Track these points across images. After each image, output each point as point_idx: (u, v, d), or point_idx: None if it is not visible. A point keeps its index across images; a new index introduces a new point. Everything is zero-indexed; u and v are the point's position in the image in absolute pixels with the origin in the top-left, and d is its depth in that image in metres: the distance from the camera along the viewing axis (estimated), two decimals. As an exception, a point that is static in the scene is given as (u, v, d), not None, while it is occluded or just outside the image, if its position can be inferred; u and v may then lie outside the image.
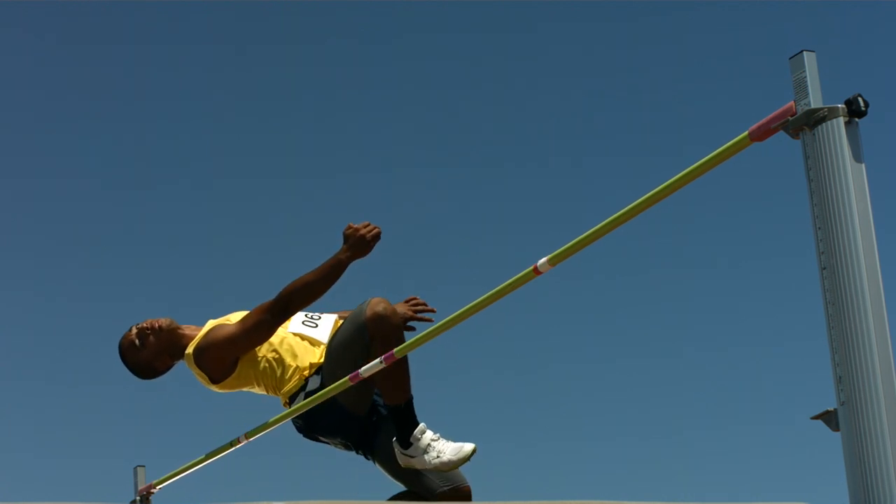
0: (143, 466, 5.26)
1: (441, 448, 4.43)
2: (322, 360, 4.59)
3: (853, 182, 2.56)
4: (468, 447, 4.44)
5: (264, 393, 4.69)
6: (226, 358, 4.57)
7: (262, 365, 4.59)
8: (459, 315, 3.70)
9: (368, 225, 4.46)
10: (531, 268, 3.39)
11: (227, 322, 4.66)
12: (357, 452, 4.66)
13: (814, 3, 10.08)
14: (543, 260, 3.35)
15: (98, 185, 10.02)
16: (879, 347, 2.49)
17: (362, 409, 4.55)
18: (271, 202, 10.08)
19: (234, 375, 4.60)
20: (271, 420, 4.49)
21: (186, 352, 4.66)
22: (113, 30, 10.21)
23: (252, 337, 4.54)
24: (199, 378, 4.66)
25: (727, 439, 9.34)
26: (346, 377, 4.21)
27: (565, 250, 3.27)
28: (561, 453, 9.16)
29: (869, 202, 2.57)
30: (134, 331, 4.73)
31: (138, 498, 5.18)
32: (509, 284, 3.48)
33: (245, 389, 4.70)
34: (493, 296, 3.53)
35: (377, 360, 4.10)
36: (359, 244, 4.45)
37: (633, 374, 9.71)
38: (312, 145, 10.33)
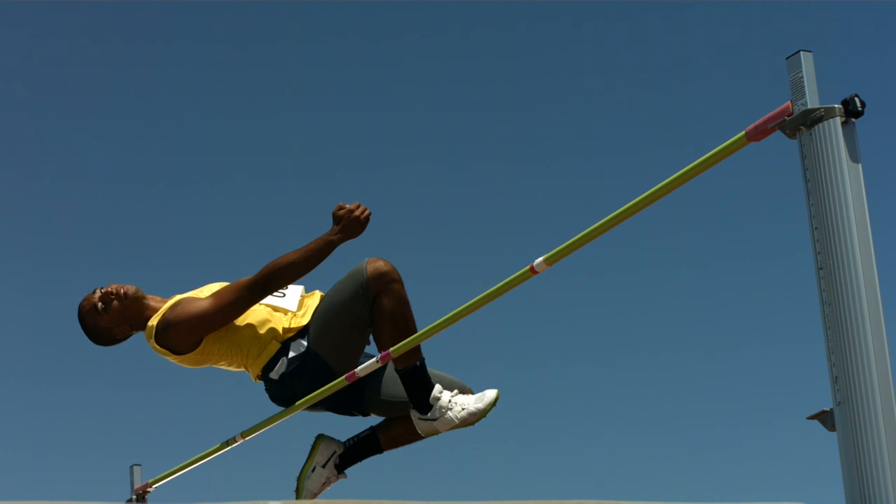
0: (140, 465, 5.25)
1: (463, 401, 4.28)
2: (295, 324, 4.41)
3: (850, 182, 2.56)
4: (492, 392, 4.30)
5: (229, 368, 4.51)
6: (194, 333, 4.37)
7: (230, 339, 4.40)
8: (456, 314, 3.70)
9: (360, 206, 4.34)
10: (528, 267, 3.39)
11: (197, 296, 4.47)
12: (338, 412, 4.50)
13: (811, 4, 10.09)
14: (540, 259, 3.35)
15: (98, 185, 10.02)
16: (876, 348, 2.49)
17: (349, 371, 4.32)
18: (271, 202, 10.07)
19: (197, 351, 4.41)
20: (267, 419, 4.47)
21: (150, 323, 4.44)
22: (113, 30, 10.22)
23: (226, 314, 4.36)
24: (159, 352, 4.45)
25: (723, 439, 9.35)
26: (343, 377, 4.18)
27: (562, 250, 3.28)
28: (558, 454, 9.16)
29: (866, 202, 2.57)
30: (98, 294, 4.52)
31: (134, 496, 5.18)
32: (506, 284, 3.48)
33: (207, 365, 4.51)
34: (489, 295, 3.53)
35: (373, 359, 4.10)
36: (352, 226, 4.33)
37: (629, 375, 9.72)
38: (312, 145, 10.33)
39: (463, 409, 4.27)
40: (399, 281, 4.28)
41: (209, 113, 10.40)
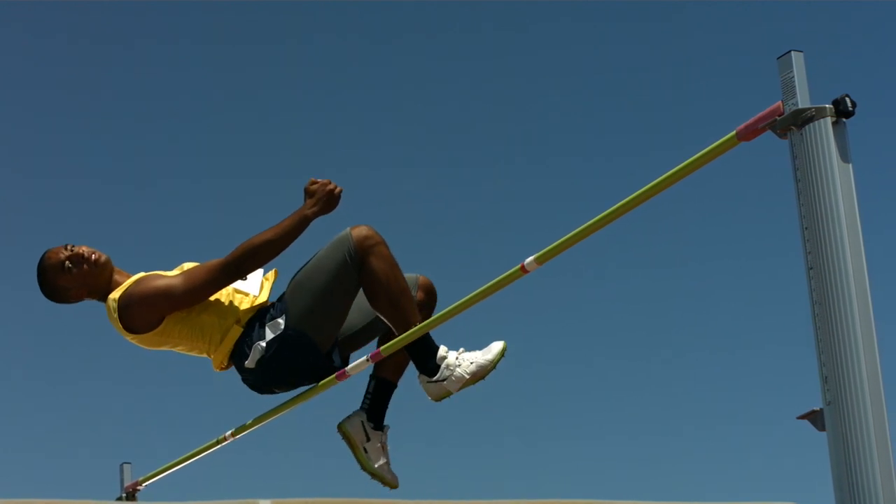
0: (130, 463, 5.25)
1: (470, 356, 4.16)
2: (256, 304, 4.30)
3: (840, 182, 2.57)
4: (498, 344, 4.19)
5: (189, 353, 4.38)
6: (157, 311, 4.25)
7: (192, 321, 4.28)
8: (447, 313, 3.70)
9: (331, 182, 4.24)
10: (518, 266, 3.39)
11: (164, 274, 4.34)
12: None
13: (802, 3, 10.10)
14: (531, 258, 3.35)
15: (97, 185, 10.01)
16: (865, 347, 2.50)
17: (330, 343, 4.29)
18: (271, 202, 10.05)
19: (157, 331, 4.28)
20: (257, 417, 4.46)
21: (112, 296, 4.31)
22: (113, 30, 10.21)
23: (195, 295, 4.23)
24: (118, 329, 4.32)
25: (715, 439, 9.36)
26: (334, 375, 4.16)
27: (552, 249, 3.28)
28: (556, 454, 9.17)
29: (856, 202, 2.58)
30: (68, 251, 4.37)
31: (124, 495, 5.18)
32: (497, 283, 3.48)
33: (166, 348, 4.37)
34: (480, 294, 3.53)
35: (363, 358, 4.09)
36: (328, 200, 4.22)
37: (623, 375, 9.73)
38: (312, 145, 10.32)
39: (472, 363, 4.15)
40: (384, 243, 4.17)
41: (209, 113, 10.39)
